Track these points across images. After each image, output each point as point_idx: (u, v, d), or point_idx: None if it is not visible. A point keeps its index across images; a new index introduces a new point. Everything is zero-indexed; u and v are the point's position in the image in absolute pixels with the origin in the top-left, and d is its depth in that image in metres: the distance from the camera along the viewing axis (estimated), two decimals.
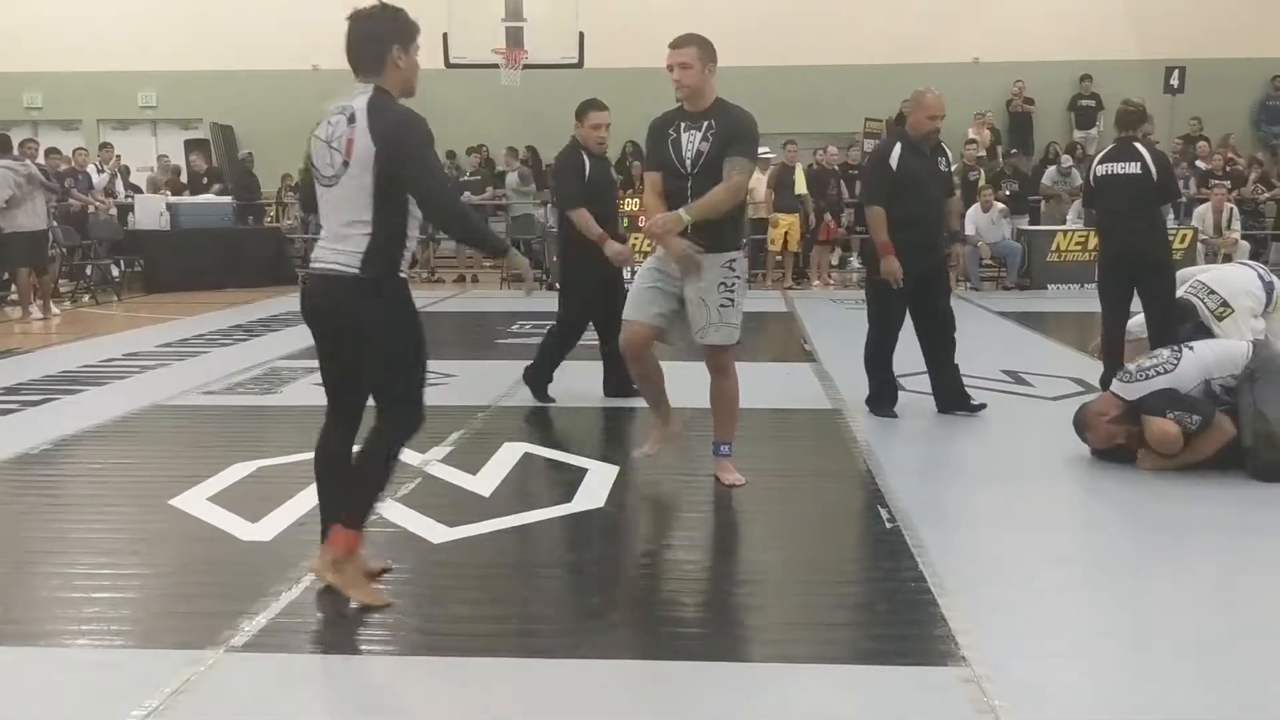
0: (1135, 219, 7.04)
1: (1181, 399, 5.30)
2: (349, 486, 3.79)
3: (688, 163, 4.92)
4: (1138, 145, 7.20)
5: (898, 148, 6.54)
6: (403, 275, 3.77)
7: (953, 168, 7.00)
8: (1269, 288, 7.02)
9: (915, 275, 6.44)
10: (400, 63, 3.70)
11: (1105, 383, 6.79)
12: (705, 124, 4.88)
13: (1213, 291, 6.88)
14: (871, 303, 6.73)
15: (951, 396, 6.71)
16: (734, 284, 4.98)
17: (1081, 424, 5.64)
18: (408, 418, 3.79)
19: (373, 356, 3.72)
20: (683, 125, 4.94)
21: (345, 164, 3.62)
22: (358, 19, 3.70)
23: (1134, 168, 6.99)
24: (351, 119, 3.61)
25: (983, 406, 6.70)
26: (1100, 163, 7.20)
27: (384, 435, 3.77)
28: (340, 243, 3.68)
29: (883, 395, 6.71)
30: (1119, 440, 5.47)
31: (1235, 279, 7.09)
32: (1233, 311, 6.74)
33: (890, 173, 6.47)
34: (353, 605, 3.72)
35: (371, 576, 3.93)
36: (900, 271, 6.37)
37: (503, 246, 4.08)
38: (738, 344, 5.13)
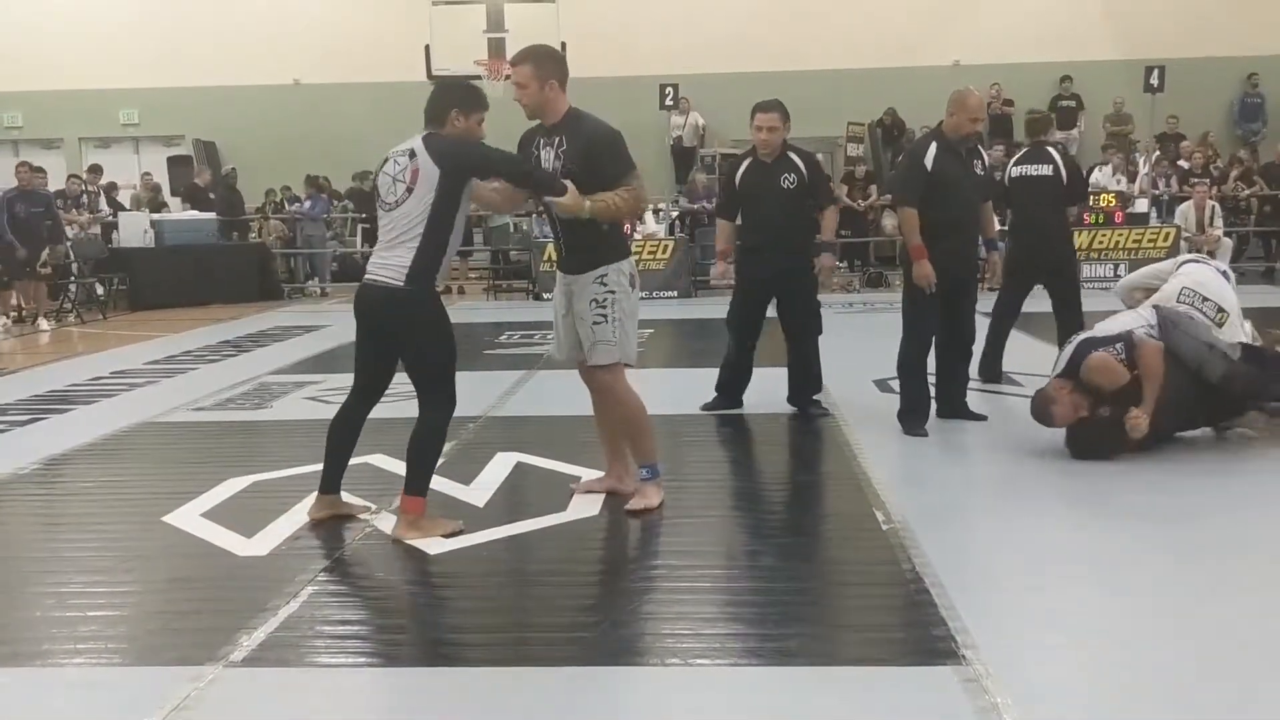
0: (1045, 220, 7.68)
1: (1100, 339, 5.77)
2: (413, 465, 4.58)
3: None
4: (1049, 149, 7.86)
5: (933, 147, 6.20)
6: (436, 288, 4.52)
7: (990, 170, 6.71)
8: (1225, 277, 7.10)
9: (952, 281, 6.21)
10: (458, 123, 4.49)
11: (988, 377, 7.58)
12: (557, 140, 4.71)
13: (1206, 299, 6.78)
14: (905, 308, 6.43)
15: (956, 404, 6.60)
16: (606, 299, 4.72)
17: (1043, 405, 5.70)
18: (446, 401, 4.59)
19: (414, 356, 4.54)
20: (541, 141, 4.77)
21: (409, 190, 4.38)
22: (438, 82, 4.58)
23: (1046, 169, 7.62)
24: (412, 155, 4.41)
25: (984, 418, 6.56)
26: (1015, 164, 7.78)
27: (431, 419, 4.57)
28: (390, 256, 4.44)
29: (916, 409, 6.35)
30: (1083, 412, 5.60)
31: (1211, 281, 6.99)
32: (1229, 315, 6.71)
33: (925, 173, 6.15)
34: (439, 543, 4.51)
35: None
36: (933, 277, 6.08)
37: (559, 185, 4.58)
38: (627, 364, 4.87)
